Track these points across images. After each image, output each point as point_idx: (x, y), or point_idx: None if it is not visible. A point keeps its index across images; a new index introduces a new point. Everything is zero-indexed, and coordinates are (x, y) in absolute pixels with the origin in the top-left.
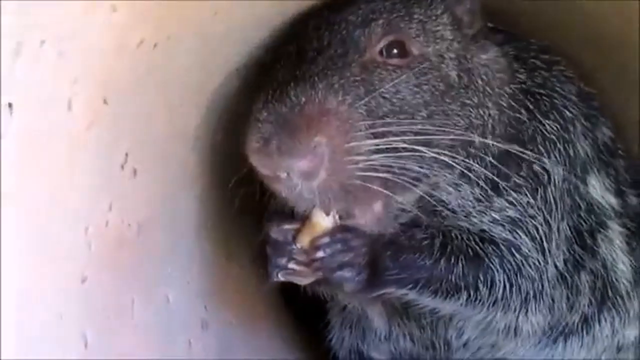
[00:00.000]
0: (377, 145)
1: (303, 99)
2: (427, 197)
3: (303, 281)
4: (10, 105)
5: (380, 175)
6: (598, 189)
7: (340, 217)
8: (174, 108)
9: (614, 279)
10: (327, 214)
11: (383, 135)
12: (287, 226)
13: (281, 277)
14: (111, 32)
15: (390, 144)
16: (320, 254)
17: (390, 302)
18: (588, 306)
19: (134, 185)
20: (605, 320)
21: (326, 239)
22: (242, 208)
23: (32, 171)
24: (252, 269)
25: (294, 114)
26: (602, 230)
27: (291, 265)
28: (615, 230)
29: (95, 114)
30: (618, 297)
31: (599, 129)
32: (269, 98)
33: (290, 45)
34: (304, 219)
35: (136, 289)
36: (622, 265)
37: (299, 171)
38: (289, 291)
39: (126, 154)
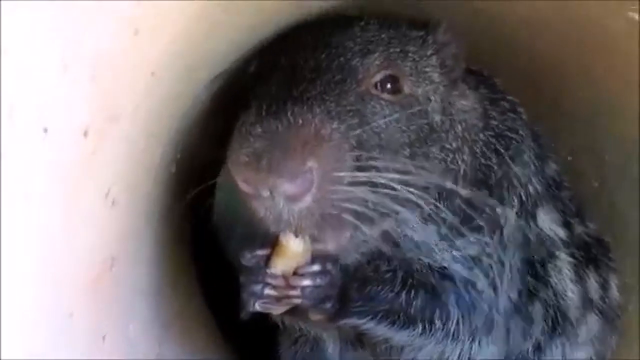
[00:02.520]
0: (360, 178)
1: (300, 120)
2: (393, 231)
3: (278, 310)
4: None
5: (356, 207)
6: (547, 222)
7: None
8: (145, 137)
9: (564, 307)
10: (297, 237)
11: (367, 168)
12: (259, 252)
13: (257, 307)
14: None
15: (371, 178)
16: (306, 282)
17: (345, 329)
18: (541, 333)
19: (111, 216)
20: (557, 346)
21: (314, 268)
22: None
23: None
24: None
25: (290, 133)
26: (551, 260)
27: (267, 291)
28: (563, 260)
29: (99, 141)
30: (568, 324)
31: (548, 165)
32: (262, 113)
33: (281, 58)
34: (274, 242)
35: (111, 324)
36: (571, 293)
37: (285, 192)
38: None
39: (110, 185)
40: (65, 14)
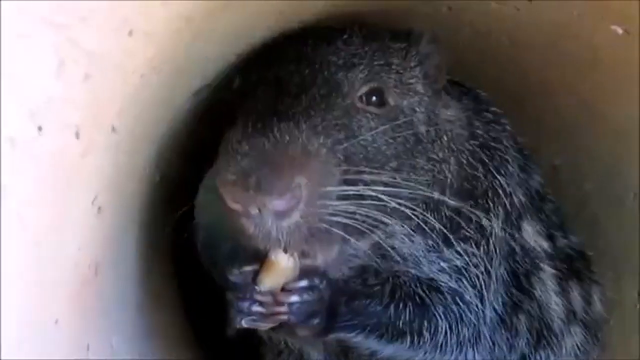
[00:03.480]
0: (347, 191)
1: (287, 137)
2: (381, 243)
3: (265, 326)
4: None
5: (344, 220)
6: (531, 234)
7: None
8: (131, 143)
9: (548, 319)
10: (286, 253)
11: (355, 182)
12: (246, 268)
13: (245, 324)
14: None
15: (359, 192)
16: (294, 298)
17: (331, 342)
18: (526, 345)
19: (97, 223)
20: (541, 358)
21: (302, 284)
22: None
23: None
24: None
25: (277, 151)
26: (535, 272)
27: (255, 308)
28: (547, 272)
29: (89, 144)
30: (552, 336)
31: (532, 177)
32: (249, 130)
33: (265, 73)
34: (262, 259)
35: (95, 333)
36: (555, 305)
37: (273, 209)
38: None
39: (97, 192)
40: (59, 12)
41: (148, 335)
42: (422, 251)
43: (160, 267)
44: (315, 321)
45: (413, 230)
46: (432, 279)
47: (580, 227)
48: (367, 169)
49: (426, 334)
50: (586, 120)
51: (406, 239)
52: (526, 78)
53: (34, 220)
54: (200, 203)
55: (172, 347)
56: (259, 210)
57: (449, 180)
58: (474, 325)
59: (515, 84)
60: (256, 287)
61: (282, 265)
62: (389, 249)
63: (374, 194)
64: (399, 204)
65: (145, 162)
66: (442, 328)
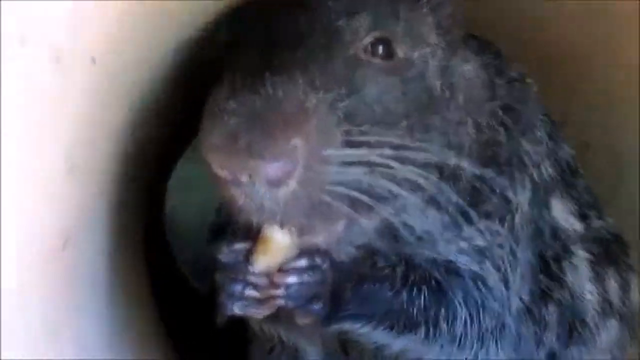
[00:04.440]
0: (351, 155)
1: (281, 93)
2: (392, 220)
3: (260, 313)
4: None
5: (347, 191)
6: (561, 212)
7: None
8: (109, 90)
9: (581, 310)
10: (282, 228)
11: (359, 144)
12: (239, 246)
13: (237, 310)
14: None
15: (364, 157)
16: (292, 279)
17: (330, 337)
18: (556, 340)
19: (68, 186)
20: (573, 355)
21: (301, 263)
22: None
23: None
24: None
25: (270, 109)
26: (567, 256)
27: (249, 292)
28: (580, 257)
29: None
30: (586, 330)
31: (561, 148)
32: (236, 86)
33: (256, 23)
34: (255, 235)
35: (64, 318)
36: (589, 295)
37: (267, 176)
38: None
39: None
40: None
41: (118, 330)
42: (439, 228)
43: (131, 252)
44: (317, 307)
45: (427, 204)
46: (450, 261)
47: (615, 211)
48: (373, 130)
49: (443, 325)
50: (621, 96)
51: (420, 215)
52: (557, 46)
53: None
54: (180, 177)
55: (146, 345)
56: (250, 177)
57: (466, 145)
58: (498, 315)
59: (544, 53)
60: (249, 268)
61: (278, 242)
62: (399, 225)
63: (381, 159)
64: (411, 170)
65: (123, 124)
66: (461, 317)
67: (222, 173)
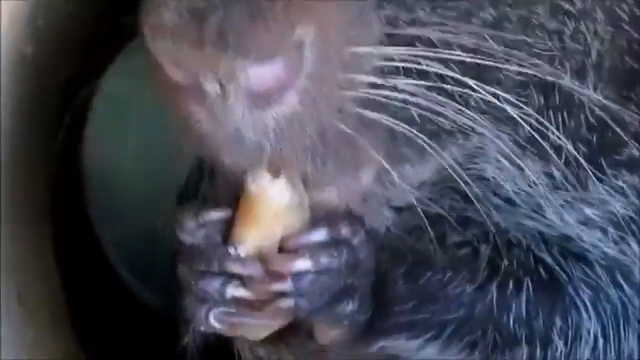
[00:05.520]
0: (395, 57)
1: None
2: (464, 170)
3: (254, 329)
4: None
5: (386, 120)
6: None
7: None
8: None
9: None
10: (278, 178)
11: (407, 41)
12: (211, 215)
13: (215, 324)
14: None
15: (416, 63)
16: (303, 263)
17: None
18: None
19: None
20: None
21: (315, 236)
22: None
23: None
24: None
25: None
26: None
27: (232, 290)
28: None
29: None
30: None
31: None
32: None
33: None
34: (237, 197)
35: None
36: None
37: (249, 86)
38: None
39: None
40: None
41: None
42: (546, 187)
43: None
44: (348, 309)
45: (522, 147)
46: (568, 238)
47: None
48: (432, 20)
49: (559, 342)
50: None
51: (510, 165)
52: None
53: None
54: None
55: None
56: (221, 85)
57: (593, 55)
58: None
59: None
60: (231, 250)
61: (275, 203)
62: (478, 180)
63: (443, 71)
64: (494, 89)
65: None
66: (588, 332)
67: (176, 75)
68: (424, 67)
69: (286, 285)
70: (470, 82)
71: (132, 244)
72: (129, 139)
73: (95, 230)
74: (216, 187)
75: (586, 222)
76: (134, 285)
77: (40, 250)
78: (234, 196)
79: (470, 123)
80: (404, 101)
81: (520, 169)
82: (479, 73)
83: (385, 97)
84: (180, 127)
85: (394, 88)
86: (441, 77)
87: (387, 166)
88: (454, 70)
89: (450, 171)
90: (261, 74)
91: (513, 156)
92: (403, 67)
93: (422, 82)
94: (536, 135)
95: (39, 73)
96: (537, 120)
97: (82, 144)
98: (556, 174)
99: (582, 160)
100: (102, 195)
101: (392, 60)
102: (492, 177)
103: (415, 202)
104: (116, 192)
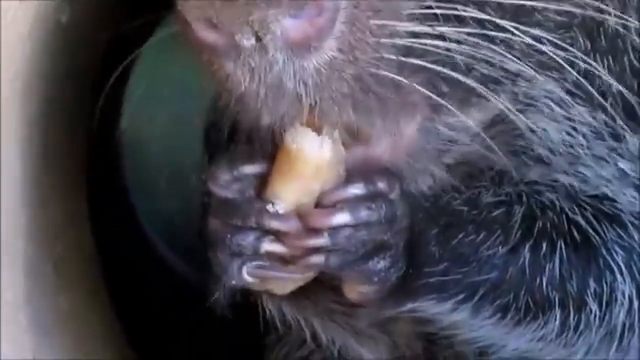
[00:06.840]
0: (430, 7)
1: None
2: (506, 122)
3: (285, 283)
4: None
5: (431, 65)
6: None
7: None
8: None
9: None
10: (316, 134)
11: None
12: (246, 169)
13: (248, 278)
14: None
15: (452, 9)
16: (340, 217)
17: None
18: None
19: None
20: None
21: (352, 190)
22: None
23: None
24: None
25: None
26: None
27: (267, 245)
28: None
29: None
30: None
31: None
32: None
33: None
34: (273, 151)
35: None
36: None
37: (287, 34)
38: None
39: None
40: None
41: (45, 329)
42: (584, 138)
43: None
44: (381, 265)
45: (571, 94)
46: (604, 197)
47: None
48: None
49: (594, 306)
50: None
51: (555, 112)
52: None
53: None
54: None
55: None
56: (258, 38)
57: None
58: None
59: None
60: (267, 205)
61: (312, 157)
62: (519, 134)
63: (485, 15)
64: (539, 38)
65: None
66: (623, 295)
67: (210, 36)
68: (461, 13)
69: (322, 240)
70: (508, 25)
71: (165, 214)
72: (160, 113)
73: (130, 201)
74: (251, 142)
75: (620, 177)
76: (168, 254)
77: (76, 220)
78: (268, 152)
79: (517, 67)
80: (446, 48)
81: (568, 118)
82: (517, 16)
83: (426, 44)
84: (216, 92)
85: (434, 36)
86: (480, 23)
87: (441, 111)
88: (489, 14)
89: (507, 112)
90: (296, 22)
91: (565, 101)
92: (441, 14)
93: (462, 29)
94: (582, 80)
95: (75, 42)
96: (584, 61)
97: (119, 115)
98: (600, 119)
99: (624, 111)
100: (137, 165)
101: (429, 7)
102: (543, 129)
103: (459, 157)
104: (151, 163)
